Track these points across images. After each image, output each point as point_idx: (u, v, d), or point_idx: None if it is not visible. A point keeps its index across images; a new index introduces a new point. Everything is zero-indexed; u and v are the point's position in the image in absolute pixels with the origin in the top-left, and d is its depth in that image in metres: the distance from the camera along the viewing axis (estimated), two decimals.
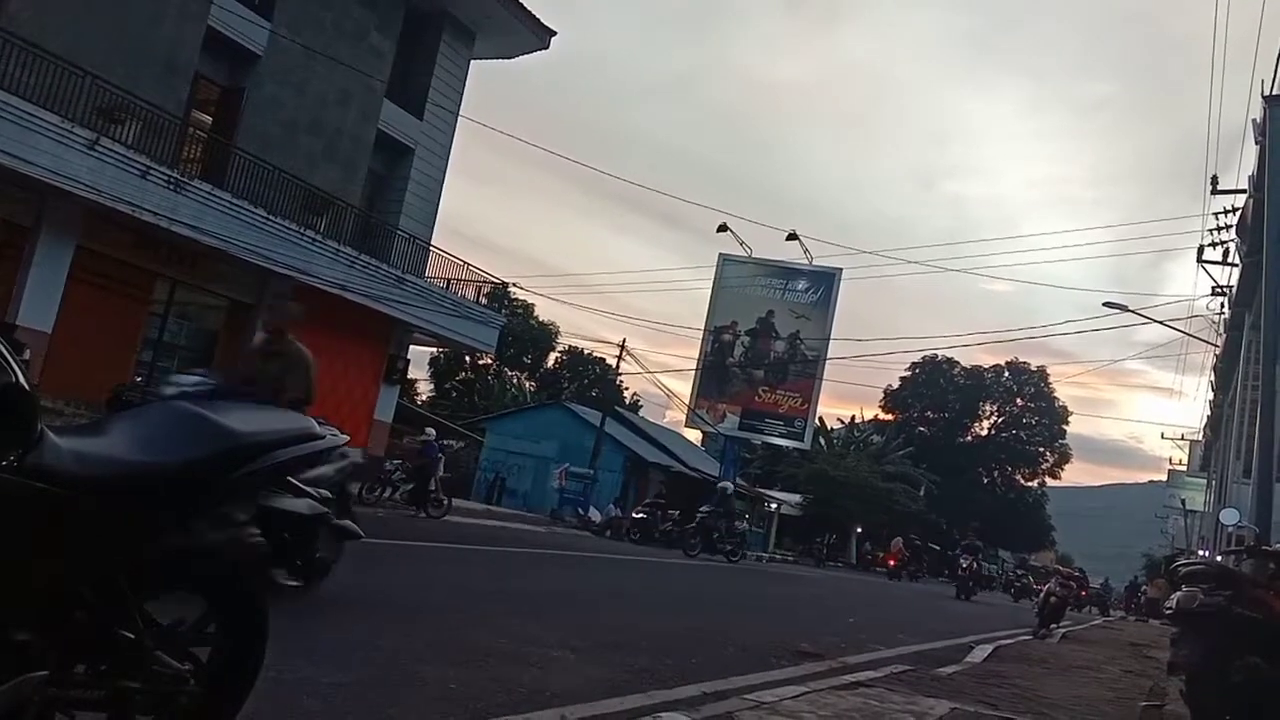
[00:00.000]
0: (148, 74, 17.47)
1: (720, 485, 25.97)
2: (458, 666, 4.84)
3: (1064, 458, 68.90)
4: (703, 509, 23.99)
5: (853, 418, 63.48)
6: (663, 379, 60.40)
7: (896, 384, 66.60)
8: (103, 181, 15.67)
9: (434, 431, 22.29)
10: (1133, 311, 23.98)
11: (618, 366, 38.70)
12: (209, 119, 20.65)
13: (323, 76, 21.04)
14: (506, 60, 27.58)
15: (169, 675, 2.27)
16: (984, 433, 68.30)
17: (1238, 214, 20.81)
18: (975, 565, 26.74)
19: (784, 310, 38.14)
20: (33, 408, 1.96)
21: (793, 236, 36.92)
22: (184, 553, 2.42)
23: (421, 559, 11.19)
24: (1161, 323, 25.86)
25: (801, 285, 38.24)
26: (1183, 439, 47.74)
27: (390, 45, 22.98)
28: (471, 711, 3.94)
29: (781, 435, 38.48)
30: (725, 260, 39.02)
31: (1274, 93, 14.24)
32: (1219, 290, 26.08)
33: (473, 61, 25.96)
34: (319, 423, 2.57)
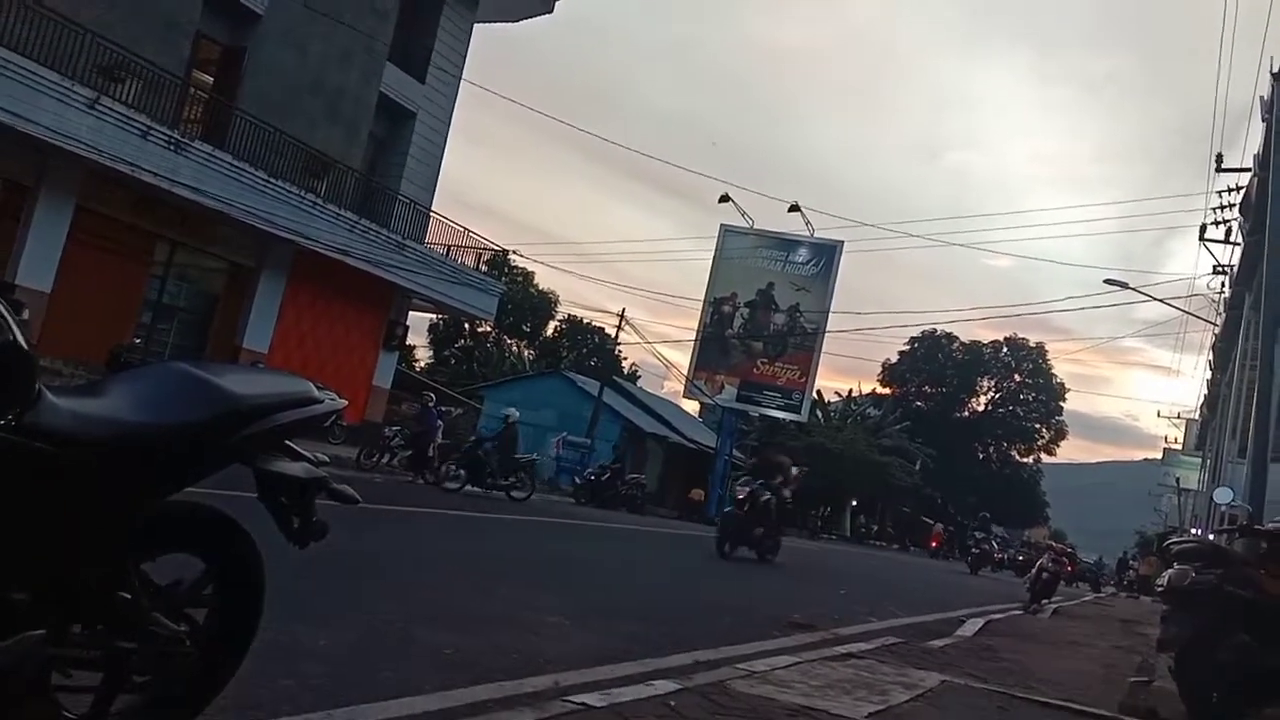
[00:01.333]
0: (149, 32, 17.33)
1: (504, 412, 20.39)
2: (453, 632, 4.87)
3: (1060, 434, 69.15)
4: (479, 439, 19.56)
5: (850, 391, 63.55)
6: (662, 349, 60.41)
7: (895, 358, 66.72)
8: (103, 141, 15.60)
9: (433, 396, 22.28)
10: (1133, 289, 23.97)
11: (617, 336, 38.70)
12: (210, 79, 20.52)
13: (325, 37, 20.87)
14: (510, 24, 27.36)
15: (165, 636, 2.29)
16: (981, 408, 68.43)
17: (1241, 192, 20.73)
18: (990, 544, 28.93)
19: (784, 282, 38.03)
20: (31, 367, 1.96)
21: (795, 208, 36.76)
22: (181, 514, 2.43)
23: (418, 525, 11.23)
24: (1162, 300, 25.76)
25: (802, 257, 38.11)
26: (1179, 418, 47.93)
27: (393, 6, 22.77)
28: (468, 677, 3.97)
29: (779, 407, 38.49)
30: (727, 231, 38.87)
31: None
32: (1220, 269, 26.06)
33: (476, 25, 25.75)
34: (317, 387, 2.57)
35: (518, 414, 19.74)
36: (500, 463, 18.19)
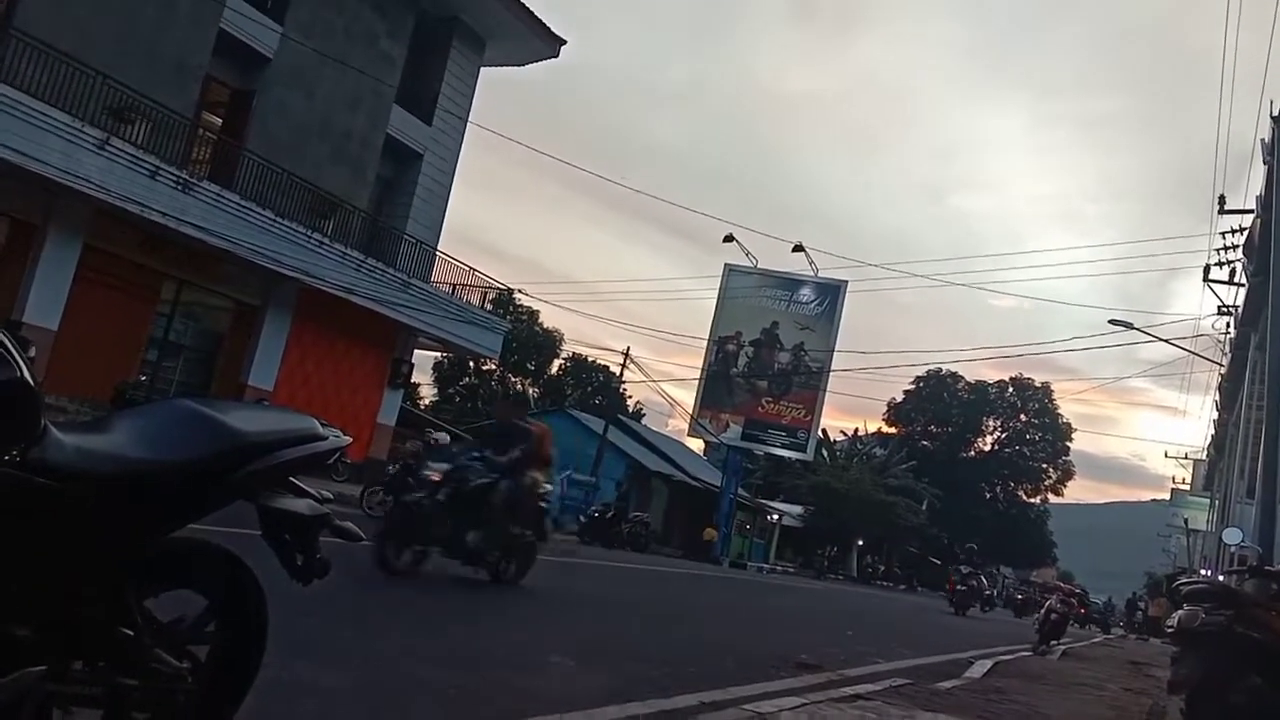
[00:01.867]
0: (159, 75, 17.55)
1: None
2: (456, 671, 4.83)
3: (1067, 474, 68.87)
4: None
5: (856, 430, 63.49)
6: (666, 388, 60.56)
7: (900, 397, 66.61)
8: (112, 181, 15.74)
9: (446, 436, 22.19)
10: (1138, 329, 24.01)
11: (621, 374, 38.71)
12: (219, 120, 20.74)
13: (333, 80, 21.12)
14: (516, 68, 27.66)
15: (167, 673, 2.27)
16: (987, 448, 68.22)
17: (1245, 234, 20.78)
18: (977, 580, 26.31)
19: (789, 321, 38.14)
20: (36, 403, 1.96)
21: (799, 248, 37.03)
22: (184, 550, 2.42)
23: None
24: (1167, 341, 25.81)
25: (806, 297, 38.24)
26: (1186, 458, 47.65)
27: (401, 51, 23.08)
28: (471, 717, 3.93)
29: (784, 446, 38.45)
30: (731, 270, 39.05)
31: None
32: (1225, 310, 26.04)
33: (482, 69, 26.05)
34: (321, 424, 2.57)
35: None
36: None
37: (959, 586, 25.53)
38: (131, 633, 2.20)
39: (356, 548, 2.52)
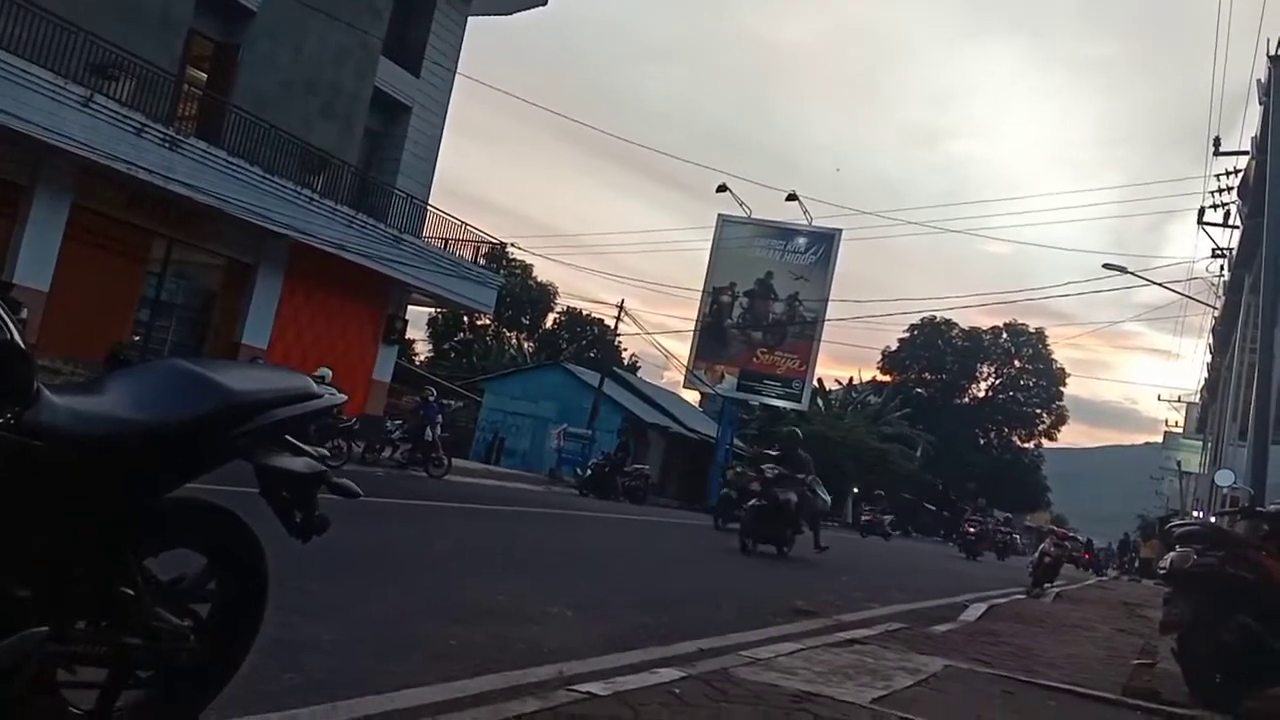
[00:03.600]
0: (142, 30, 17.26)
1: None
2: (457, 624, 4.88)
3: (1060, 419, 69.23)
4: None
5: (850, 379, 63.63)
6: (661, 340, 60.72)
7: (895, 345, 66.72)
8: (97, 139, 15.55)
9: (435, 391, 22.27)
10: (1132, 273, 23.96)
11: (616, 327, 38.69)
12: (204, 76, 20.44)
13: (319, 33, 20.80)
14: (505, 16, 27.26)
15: (169, 632, 2.29)
16: (981, 394, 68.48)
17: (1240, 175, 20.71)
18: (985, 527, 28.09)
19: (783, 271, 38.02)
20: (29, 366, 1.96)
21: (792, 197, 36.77)
22: (183, 509, 2.43)
23: (420, 518, 11.24)
24: (1161, 285, 25.76)
25: (801, 246, 38.08)
26: (1179, 401, 47.91)
27: (386, 2, 22.70)
28: (471, 668, 3.98)
29: (779, 396, 38.51)
30: (724, 221, 38.85)
31: (1279, 53, 14.10)
32: (1219, 252, 26.02)
33: (470, 18, 25.66)
34: (317, 381, 2.57)
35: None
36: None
37: (970, 531, 26.70)
38: (132, 592, 2.22)
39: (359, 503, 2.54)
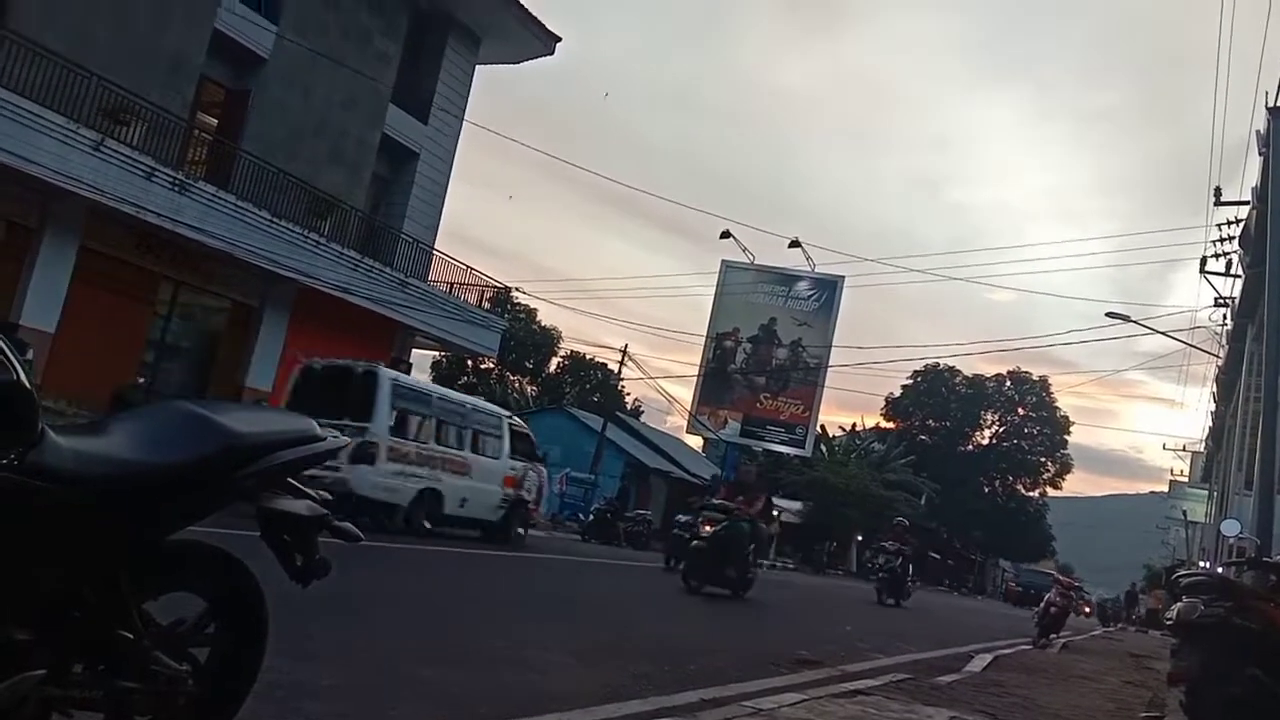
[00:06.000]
0: (153, 75, 17.51)
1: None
2: (457, 669, 4.84)
3: (1065, 467, 68.81)
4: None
5: (854, 425, 63.42)
6: (665, 385, 60.53)
7: (898, 392, 66.55)
8: (107, 182, 15.70)
9: None
10: (1135, 321, 23.99)
11: (619, 372, 38.72)
12: (214, 121, 20.69)
13: (328, 80, 21.08)
14: (512, 65, 27.62)
15: (167, 676, 2.27)
16: (985, 442, 68.17)
17: (1241, 226, 20.79)
18: (904, 562, 19.61)
19: (786, 317, 38.17)
20: (34, 406, 1.96)
21: (795, 244, 37.04)
22: (183, 552, 2.42)
23: (421, 562, 11.18)
24: (1164, 333, 25.78)
25: (804, 292, 38.26)
26: (1184, 450, 47.71)
27: (396, 49, 23.03)
28: (472, 714, 3.94)
29: (783, 442, 38.48)
30: (728, 267, 39.06)
31: (1278, 105, 14.22)
32: (1222, 301, 26.05)
33: (478, 66, 26.01)
34: (320, 424, 2.57)
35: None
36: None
37: (881, 572, 20.05)
38: (131, 635, 2.20)
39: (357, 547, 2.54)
